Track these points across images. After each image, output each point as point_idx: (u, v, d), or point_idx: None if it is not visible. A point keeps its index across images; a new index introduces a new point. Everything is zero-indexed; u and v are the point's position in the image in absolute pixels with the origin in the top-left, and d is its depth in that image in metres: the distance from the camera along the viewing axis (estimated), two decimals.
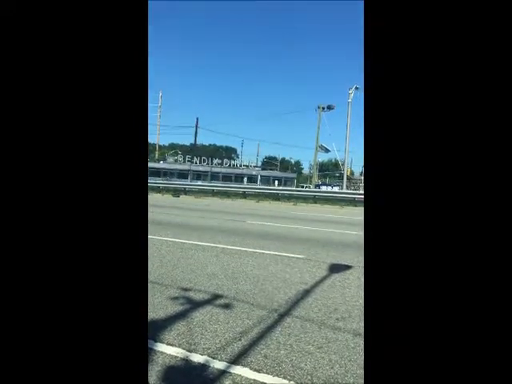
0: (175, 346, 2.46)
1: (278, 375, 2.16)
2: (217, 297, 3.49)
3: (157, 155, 43.62)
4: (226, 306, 3.26)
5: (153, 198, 20.19)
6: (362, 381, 2.13)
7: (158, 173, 35.39)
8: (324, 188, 37.20)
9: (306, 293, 3.76)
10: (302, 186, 39.95)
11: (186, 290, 3.67)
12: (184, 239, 6.51)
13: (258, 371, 2.19)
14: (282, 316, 3.08)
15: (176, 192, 23.80)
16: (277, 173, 45.54)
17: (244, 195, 23.39)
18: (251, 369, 2.22)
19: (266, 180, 39.48)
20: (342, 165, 33.79)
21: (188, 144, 54.15)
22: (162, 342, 2.49)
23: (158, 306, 3.16)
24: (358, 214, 13.95)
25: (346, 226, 9.97)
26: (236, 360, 2.31)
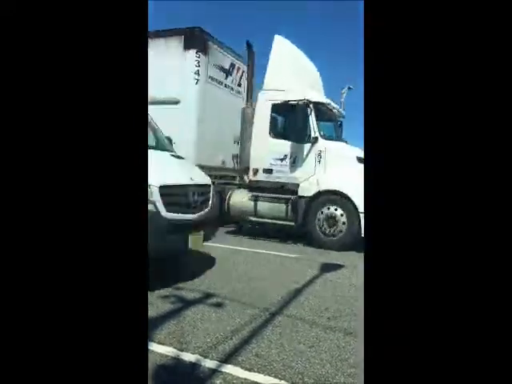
0: (166, 344, 2.45)
1: (269, 374, 2.16)
2: (208, 296, 3.48)
3: None
4: (218, 305, 3.25)
5: None
6: (353, 380, 2.13)
7: None
8: None
9: (298, 292, 3.77)
10: None
11: (177, 288, 3.65)
12: None
13: (250, 370, 2.19)
14: (273, 315, 3.08)
15: None
16: None
17: None
18: (242, 368, 2.21)
19: None
20: None
21: None
22: (153, 341, 2.47)
23: (149, 305, 3.14)
24: None
25: None
26: (227, 359, 2.30)
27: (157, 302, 3.21)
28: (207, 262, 4.85)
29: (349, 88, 14.15)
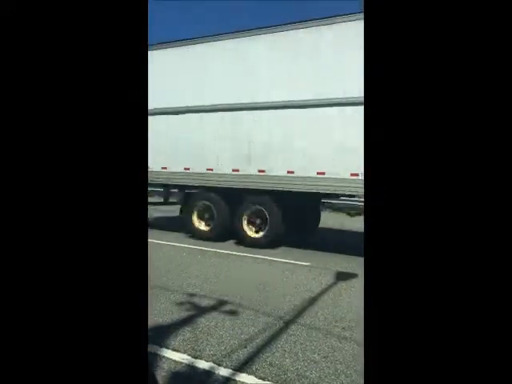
0: (180, 351, 2.46)
1: None
2: (222, 303, 3.48)
3: None
4: (232, 313, 3.25)
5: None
6: None
7: None
8: None
9: (312, 301, 3.74)
10: None
11: (191, 295, 3.67)
12: (190, 244, 6.51)
13: (263, 379, 2.18)
14: (287, 324, 3.07)
15: None
16: None
17: None
18: (256, 376, 2.21)
19: None
20: None
21: None
22: (168, 348, 2.49)
23: (163, 312, 3.17)
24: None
25: (351, 233, 9.89)
26: (241, 367, 2.30)
27: (172, 309, 3.24)
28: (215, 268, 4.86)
29: None
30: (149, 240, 0.79)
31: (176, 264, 5.02)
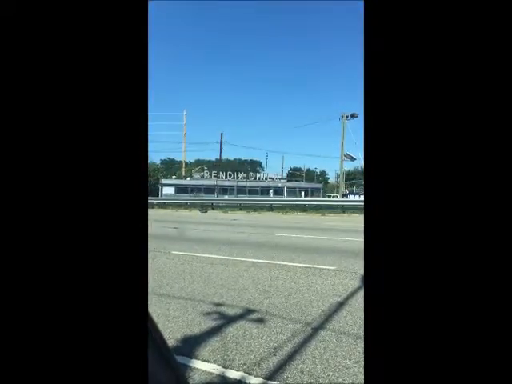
0: (211, 362, 2.46)
1: None
2: (249, 311, 3.48)
3: (183, 172, 44.37)
4: (259, 321, 3.24)
5: (181, 214, 20.51)
6: None
7: (185, 189, 35.75)
8: (352, 197, 36.65)
9: (340, 305, 3.69)
10: (329, 196, 39.49)
11: (218, 305, 3.68)
12: (214, 254, 6.55)
13: None
14: (316, 330, 3.03)
15: (203, 207, 24.03)
16: (302, 184, 45.10)
17: (271, 208, 23.42)
18: None
19: (292, 192, 38.99)
20: None
21: (213, 159, 54.47)
22: (198, 359, 2.50)
23: (191, 322, 3.18)
24: None
25: None
26: (272, 376, 2.28)
27: (199, 319, 3.25)
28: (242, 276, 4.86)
29: None
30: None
31: (199, 274, 5.05)
